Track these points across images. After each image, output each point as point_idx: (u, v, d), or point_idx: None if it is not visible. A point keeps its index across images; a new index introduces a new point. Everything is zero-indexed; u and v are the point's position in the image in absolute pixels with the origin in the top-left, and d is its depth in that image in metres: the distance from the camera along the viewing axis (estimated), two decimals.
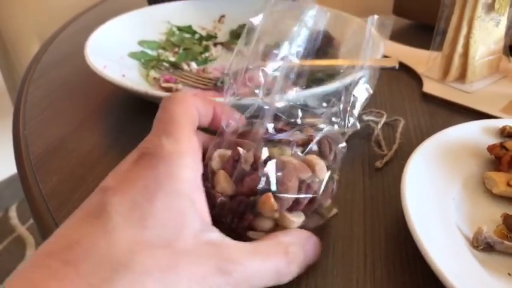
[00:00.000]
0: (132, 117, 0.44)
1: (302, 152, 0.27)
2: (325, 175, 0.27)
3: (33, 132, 0.42)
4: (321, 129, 0.28)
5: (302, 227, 0.26)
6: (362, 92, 0.31)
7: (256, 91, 0.30)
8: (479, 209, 0.31)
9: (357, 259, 0.28)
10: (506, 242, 0.27)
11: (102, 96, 0.48)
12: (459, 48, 0.47)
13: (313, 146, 0.28)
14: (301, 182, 0.26)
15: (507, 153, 0.33)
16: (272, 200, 0.25)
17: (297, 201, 0.26)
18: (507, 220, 0.29)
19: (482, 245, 0.27)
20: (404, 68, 0.54)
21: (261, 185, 0.25)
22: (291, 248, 0.24)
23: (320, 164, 0.27)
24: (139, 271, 0.19)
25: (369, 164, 0.38)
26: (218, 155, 0.27)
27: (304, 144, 0.28)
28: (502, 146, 0.33)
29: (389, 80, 0.51)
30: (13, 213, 1.56)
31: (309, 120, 0.31)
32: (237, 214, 0.25)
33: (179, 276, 0.20)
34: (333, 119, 0.30)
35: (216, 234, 0.23)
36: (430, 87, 0.48)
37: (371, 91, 0.32)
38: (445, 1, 0.47)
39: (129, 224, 0.20)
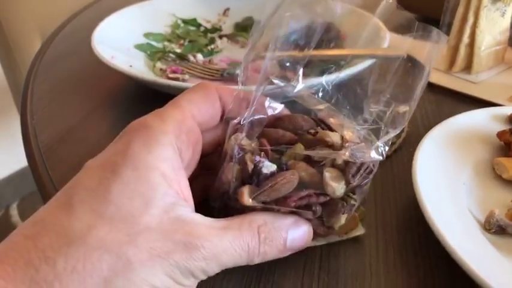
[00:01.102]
0: (139, 108, 0.44)
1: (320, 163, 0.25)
2: (334, 194, 0.24)
3: (41, 123, 0.42)
4: (353, 142, 0.25)
5: None
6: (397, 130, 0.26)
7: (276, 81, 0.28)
8: (489, 194, 0.31)
9: (369, 243, 0.28)
10: None
11: (108, 87, 0.48)
12: (465, 39, 0.47)
13: (340, 160, 0.25)
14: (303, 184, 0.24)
15: None
16: (245, 196, 0.24)
17: (283, 198, 0.24)
18: None
19: (494, 228, 0.27)
20: (409, 59, 0.54)
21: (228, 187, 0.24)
22: (263, 228, 0.23)
23: (332, 186, 0.24)
24: (94, 245, 0.19)
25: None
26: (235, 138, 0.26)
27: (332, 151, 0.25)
28: (511, 132, 0.33)
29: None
30: (14, 212, 1.56)
31: (347, 124, 0.27)
32: (223, 202, 0.26)
33: (138, 250, 0.19)
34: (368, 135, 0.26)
35: (187, 210, 0.22)
36: (436, 77, 0.49)
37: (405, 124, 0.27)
38: None
39: (92, 198, 0.20)
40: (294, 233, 0.24)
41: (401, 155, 0.37)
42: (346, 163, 0.25)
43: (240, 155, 0.25)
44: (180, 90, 0.35)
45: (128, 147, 0.22)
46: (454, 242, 0.24)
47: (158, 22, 0.57)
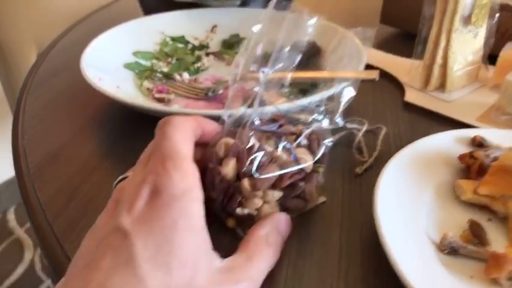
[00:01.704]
0: (127, 127, 0.46)
1: (294, 142, 0.32)
2: (309, 167, 0.32)
3: (31, 142, 0.44)
4: (311, 125, 0.33)
5: (284, 203, 0.32)
6: (346, 94, 0.36)
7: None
8: (449, 215, 0.33)
9: (332, 262, 0.31)
10: (470, 246, 0.30)
11: (98, 105, 0.50)
12: (438, 59, 0.49)
13: (303, 140, 0.32)
14: (283, 166, 0.31)
15: (475, 162, 0.35)
16: (246, 184, 0.30)
17: (278, 180, 0.30)
18: (472, 226, 0.31)
19: (447, 249, 0.29)
20: (388, 77, 0.56)
21: (244, 168, 0.30)
22: (270, 238, 0.28)
23: (304, 159, 0.31)
24: None
25: (350, 170, 0.40)
26: (224, 142, 0.31)
27: (297, 137, 0.33)
28: (471, 155, 0.35)
29: (373, 89, 0.54)
30: (11, 216, 1.58)
31: (302, 116, 0.35)
32: (227, 195, 0.30)
33: None
34: (322, 117, 0.35)
35: (219, 261, 0.25)
36: (411, 96, 0.51)
37: (354, 93, 0.36)
38: (424, 14, 0.49)
39: (157, 270, 0.22)
40: (282, 226, 0.30)
41: (371, 174, 0.39)
42: (310, 141, 0.32)
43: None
44: (162, 114, 0.37)
45: (169, 210, 0.23)
46: (404, 264, 0.26)
47: (147, 40, 0.59)
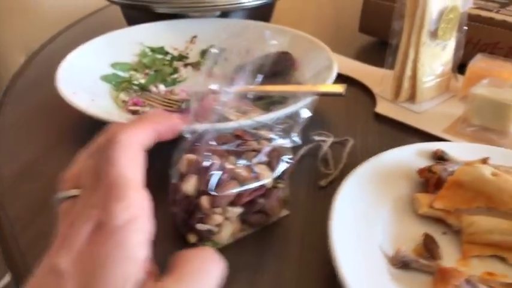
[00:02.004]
0: None
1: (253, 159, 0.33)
2: (268, 183, 0.33)
3: (5, 155, 0.45)
4: (271, 142, 0.34)
5: (246, 218, 0.33)
6: (302, 115, 0.36)
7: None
8: (405, 229, 0.34)
9: (289, 278, 0.31)
10: (421, 260, 0.30)
11: (73, 118, 0.50)
12: (408, 71, 0.50)
13: (263, 157, 0.33)
14: (243, 183, 0.32)
15: (433, 176, 0.36)
16: (204, 202, 0.31)
17: (237, 197, 0.32)
18: (426, 239, 0.32)
19: (399, 264, 0.30)
20: (361, 87, 0.57)
21: (203, 186, 0.31)
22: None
23: (264, 175, 0.33)
24: None
25: (315, 183, 0.41)
26: (186, 158, 0.33)
27: (256, 154, 0.34)
28: (429, 169, 0.36)
29: (347, 100, 0.54)
30: None
31: (263, 132, 0.36)
32: (188, 211, 0.32)
33: None
34: (281, 134, 0.35)
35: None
36: (382, 107, 0.52)
37: (310, 114, 0.36)
38: (394, 28, 0.50)
39: None
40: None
41: (335, 187, 0.39)
42: (270, 158, 0.33)
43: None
44: None
45: (106, 246, 0.22)
46: (352, 280, 0.27)
47: (127, 51, 0.60)
